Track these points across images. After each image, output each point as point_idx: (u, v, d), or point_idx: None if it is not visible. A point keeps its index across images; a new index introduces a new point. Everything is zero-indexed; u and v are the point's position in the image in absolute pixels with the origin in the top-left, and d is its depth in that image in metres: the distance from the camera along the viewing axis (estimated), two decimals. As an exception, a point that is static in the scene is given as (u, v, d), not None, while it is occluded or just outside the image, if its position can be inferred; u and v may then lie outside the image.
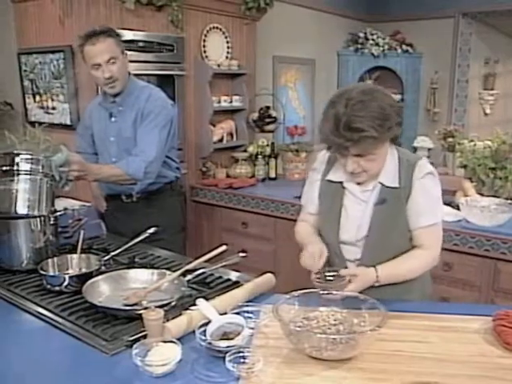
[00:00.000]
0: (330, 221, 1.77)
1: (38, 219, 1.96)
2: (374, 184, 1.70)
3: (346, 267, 1.73)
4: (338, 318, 1.48)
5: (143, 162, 2.33)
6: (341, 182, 1.75)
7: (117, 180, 2.37)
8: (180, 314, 1.49)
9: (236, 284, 1.82)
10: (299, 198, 1.97)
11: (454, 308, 1.59)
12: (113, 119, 2.51)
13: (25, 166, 1.95)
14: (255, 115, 4.33)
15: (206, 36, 3.85)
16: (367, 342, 1.35)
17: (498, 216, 2.68)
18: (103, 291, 1.71)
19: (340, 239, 1.75)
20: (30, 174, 1.96)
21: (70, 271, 1.90)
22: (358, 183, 1.72)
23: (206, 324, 1.41)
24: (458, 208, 2.80)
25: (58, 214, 2.07)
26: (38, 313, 1.61)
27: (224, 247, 1.83)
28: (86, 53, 2.33)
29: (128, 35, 3.20)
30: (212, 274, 1.89)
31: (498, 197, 2.87)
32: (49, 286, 1.76)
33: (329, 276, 1.58)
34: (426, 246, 1.70)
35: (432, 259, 1.72)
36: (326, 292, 1.52)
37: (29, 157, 1.96)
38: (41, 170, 1.97)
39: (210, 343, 1.35)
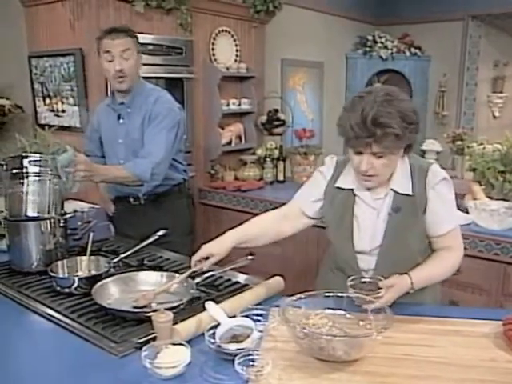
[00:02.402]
0: (343, 231, 1.74)
1: (48, 221, 1.98)
2: (386, 191, 1.69)
3: (363, 277, 1.71)
4: (329, 319, 1.49)
5: (150, 163, 2.34)
6: (351, 190, 1.73)
7: (123, 181, 2.38)
8: (189, 317, 1.50)
9: (245, 287, 1.82)
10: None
11: (464, 312, 1.59)
12: (121, 121, 2.52)
13: (33, 169, 1.97)
14: (264, 118, 4.34)
15: (214, 39, 3.87)
16: (373, 343, 1.36)
17: (508, 219, 2.66)
18: (112, 293, 1.71)
19: (355, 249, 1.73)
20: (39, 176, 1.97)
21: (80, 273, 1.91)
22: (368, 189, 1.70)
23: (215, 327, 1.42)
24: (466, 211, 2.79)
25: (68, 216, 2.08)
26: (48, 314, 1.62)
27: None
28: (103, 44, 2.36)
29: (137, 38, 3.22)
30: (221, 277, 1.89)
31: (507, 200, 2.85)
32: (58, 288, 1.77)
33: (364, 284, 1.55)
34: (451, 247, 1.70)
35: (459, 259, 1.71)
36: (360, 302, 1.50)
37: (37, 159, 1.98)
38: (49, 172, 1.98)
39: (219, 346, 1.35)
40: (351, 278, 1.59)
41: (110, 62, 2.36)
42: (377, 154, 1.56)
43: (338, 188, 1.76)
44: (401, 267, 1.67)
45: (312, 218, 1.85)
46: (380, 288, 1.53)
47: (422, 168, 1.69)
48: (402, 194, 1.67)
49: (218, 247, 1.72)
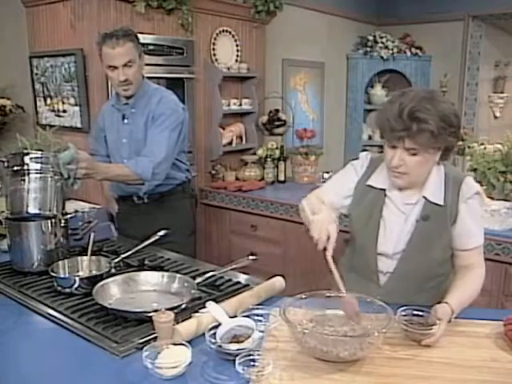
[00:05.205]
0: (369, 230, 1.72)
1: (49, 221, 1.97)
2: (418, 198, 1.67)
3: (378, 278, 1.73)
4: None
5: (152, 162, 2.34)
6: (383, 190, 1.71)
7: (125, 180, 2.38)
8: (190, 317, 1.50)
9: (245, 287, 1.82)
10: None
11: (465, 312, 1.58)
12: (125, 121, 2.53)
13: (34, 166, 1.97)
14: (264, 118, 4.34)
15: (215, 39, 3.87)
16: (375, 344, 1.35)
17: (509, 220, 2.66)
18: (113, 293, 1.71)
19: (377, 251, 1.71)
20: (40, 174, 1.97)
21: (81, 273, 1.91)
22: (400, 190, 1.68)
23: (216, 327, 1.42)
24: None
25: (69, 216, 2.09)
26: (49, 314, 1.62)
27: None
28: (104, 54, 2.35)
29: (138, 38, 3.22)
30: (222, 277, 1.89)
31: (508, 200, 2.85)
32: (59, 288, 1.77)
33: (416, 322, 1.49)
34: (475, 265, 1.68)
35: (483, 276, 1.69)
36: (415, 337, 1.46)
37: (38, 156, 1.97)
38: (50, 169, 1.98)
39: (219, 346, 1.35)
40: (402, 309, 1.52)
41: (113, 71, 2.37)
42: (410, 151, 1.54)
43: (369, 186, 1.74)
44: (419, 274, 1.67)
45: (342, 212, 1.82)
46: (432, 324, 1.46)
47: (457, 179, 1.67)
48: (433, 203, 1.65)
49: (333, 223, 1.54)
